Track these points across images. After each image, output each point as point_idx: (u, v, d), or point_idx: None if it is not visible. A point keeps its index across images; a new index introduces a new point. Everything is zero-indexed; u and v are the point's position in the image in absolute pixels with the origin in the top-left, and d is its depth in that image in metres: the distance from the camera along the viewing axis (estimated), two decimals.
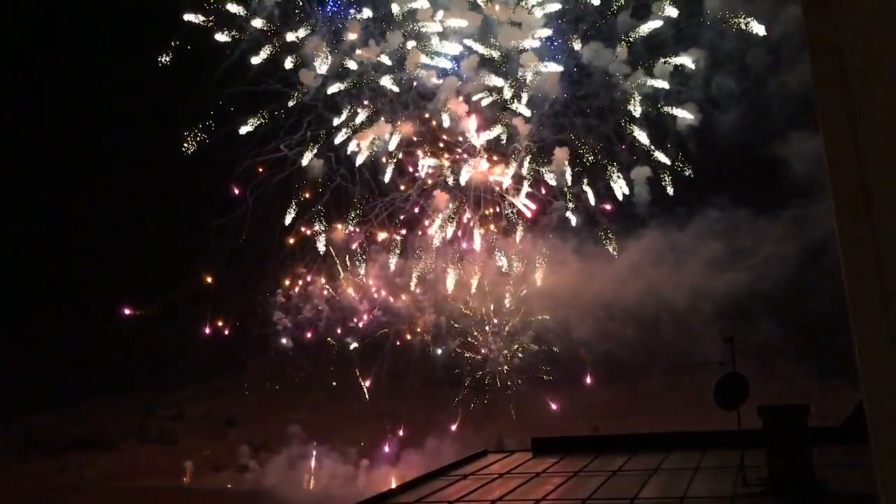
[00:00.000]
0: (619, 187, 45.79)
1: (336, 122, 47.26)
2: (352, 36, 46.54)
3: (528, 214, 46.89)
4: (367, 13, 46.75)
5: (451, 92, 46.36)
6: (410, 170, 47.73)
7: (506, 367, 47.08)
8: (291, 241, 48.02)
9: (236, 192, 46.98)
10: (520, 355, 46.75)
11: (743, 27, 42.95)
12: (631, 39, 45.28)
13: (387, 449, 46.75)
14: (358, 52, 46.48)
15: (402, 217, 47.89)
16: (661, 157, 45.47)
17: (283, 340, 47.68)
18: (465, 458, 23.32)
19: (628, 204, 46.00)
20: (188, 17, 46.35)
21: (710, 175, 44.97)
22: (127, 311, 47.77)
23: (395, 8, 46.20)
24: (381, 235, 47.92)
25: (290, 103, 47.11)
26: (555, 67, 45.88)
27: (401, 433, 46.84)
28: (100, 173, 49.00)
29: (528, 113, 46.28)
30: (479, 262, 47.03)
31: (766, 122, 40.84)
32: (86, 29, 47.84)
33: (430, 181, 47.46)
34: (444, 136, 47.26)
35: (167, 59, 46.16)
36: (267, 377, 48.61)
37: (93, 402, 48.51)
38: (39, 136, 49.29)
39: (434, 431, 46.08)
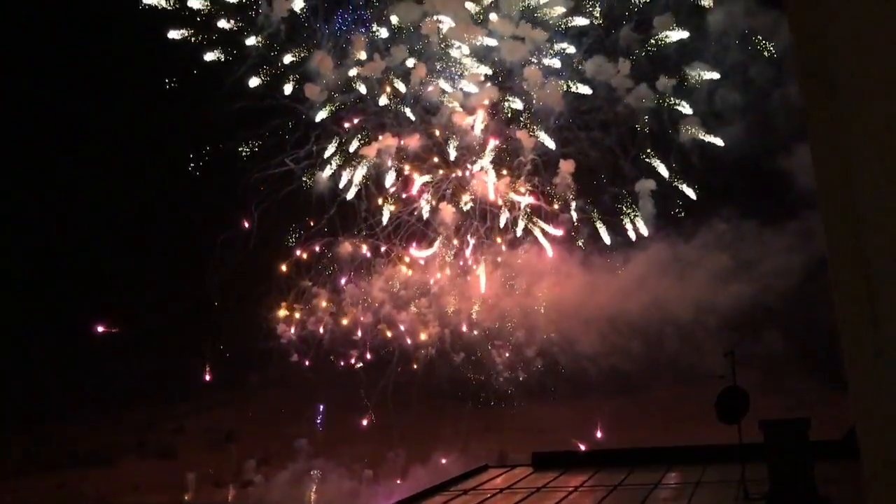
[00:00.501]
0: (637, 226, 45.64)
1: (330, 150, 47.28)
2: (361, 55, 46.59)
3: (550, 253, 46.47)
4: (382, 32, 46.85)
5: (455, 106, 46.44)
6: (413, 187, 47.47)
7: (510, 389, 46.90)
8: (295, 257, 47.99)
9: (242, 205, 47.03)
10: (523, 375, 46.54)
11: (762, 47, 43.01)
12: (650, 48, 45.26)
13: (391, 464, 46.51)
14: (353, 71, 46.52)
15: (407, 229, 47.78)
16: (687, 191, 45.22)
17: (287, 354, 47.60)
18: (465, 472, 23.18)
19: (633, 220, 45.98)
20: (174, 34, 46.40)
21: (716, 187, 44.93)
22: (126, 327, 47.74)
23: (394, 19, 46.47)
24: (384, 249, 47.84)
25: (291, 124, 47.22)
26: (584, 90, 45.72)
27: (405, 448, 46.62)
28: (107, 187, 49.01)
29: (552, 145, 46.10)
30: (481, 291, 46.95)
31: (770, 134, 40.89)
32: (76, 41, 47.70)
33: (432, 200, 47.24)
34: (450, 151, 47.22)
35: (173, 80, 46.55)
36: (269, 391, 48.47)
37: (91, 417, 48.27)
38: (39, 154, 49.33)
39: (438, 445, 45.86)
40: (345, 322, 47.54)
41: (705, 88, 44.86)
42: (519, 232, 46.46)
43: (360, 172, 46.84)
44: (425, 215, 46.89)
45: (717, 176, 44.59)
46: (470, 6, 45.89)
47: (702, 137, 44.49)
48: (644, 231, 45.46)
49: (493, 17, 46.00)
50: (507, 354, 46.76)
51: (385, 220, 47.11)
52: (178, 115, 45.86)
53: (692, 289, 42.44)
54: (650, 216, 45.58)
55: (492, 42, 45.89)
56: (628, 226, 45.77)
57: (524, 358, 46.49)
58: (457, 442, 45.53)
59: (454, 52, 46.21)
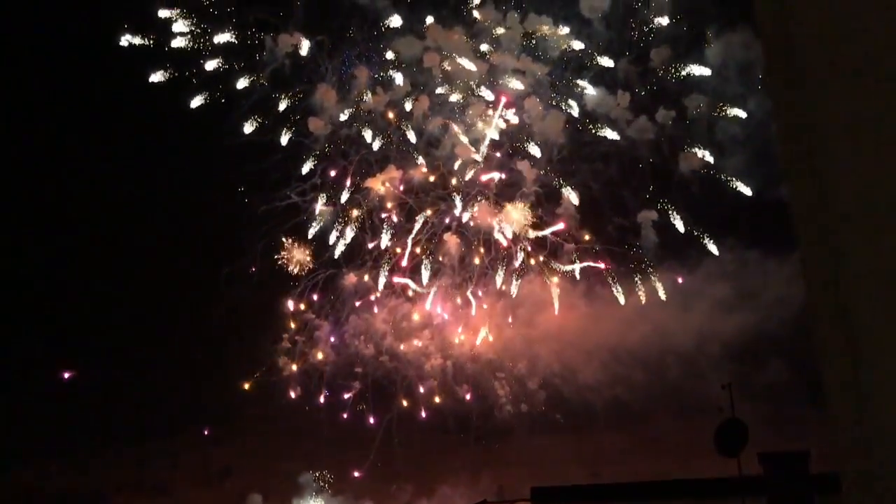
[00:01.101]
0: (656, 288, 45.37)
1: (320, 203, 47.38)
2: (367, 96, 46.89)
3: (556, 309, 46.13)
4: (396, 77, 47.14)
5: (457, 138, 46.60)
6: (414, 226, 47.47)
7: (512, 425, 46.56)
8: (292, 309, 47.97)
9: (246, 238, 47.08)
10: (525, 407, 46.19)
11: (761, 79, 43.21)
12: (653, 85, 45.48)
13: (391, 500, 46.06)
14: (346, 114, 46.85)
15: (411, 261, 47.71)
16: (711, 247, 44.95)
17: (288, 388, 47.36)
18: None
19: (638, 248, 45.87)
20: (155, 77, 46.40)
21: (719, 217, 44.93)
22: (120, 362, 47.39)
23: (390, 55, 46.89)
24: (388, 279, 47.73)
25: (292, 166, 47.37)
26: (610, 134, 45.80)
27: (404, 482, 46.19)
28: (107, 216, 49.03)
29: (576, 200, 45.93)
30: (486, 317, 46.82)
31: (772, 163, 41.02)
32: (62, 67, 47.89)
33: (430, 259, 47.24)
34: (452, 183, 47.33)
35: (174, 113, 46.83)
36: (268, 426, 48.02)
37: (87, 453, 47.67)
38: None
39: (437, 480, 45.44)
40: (350, 345, 47.36)
41: (706, 119, 45.07)
42: (514, 289, 46.30)
43: (349, 233, 47.01)
44: (425, 281, 46.94)
45: (720, 206, 44.64)
46: (464, 38, 46.23)
47: (733, 185, 44.10)
48: (662, 295, 45.02)
49: (485, 47, 46.37)
50: (510, 394, 46.47)
51: (380, 285, 47.19)
52: (177, 147, 46.23)
53: (695, 318, 42.37)
54: (652, 245, 45.50)
55: (518, 85, 46.00)
56: (641, 296, 45.31)
57: (526, 390, 46.19)
58: (455, 476, 45.08)
59: (461, 91, 46.51)
